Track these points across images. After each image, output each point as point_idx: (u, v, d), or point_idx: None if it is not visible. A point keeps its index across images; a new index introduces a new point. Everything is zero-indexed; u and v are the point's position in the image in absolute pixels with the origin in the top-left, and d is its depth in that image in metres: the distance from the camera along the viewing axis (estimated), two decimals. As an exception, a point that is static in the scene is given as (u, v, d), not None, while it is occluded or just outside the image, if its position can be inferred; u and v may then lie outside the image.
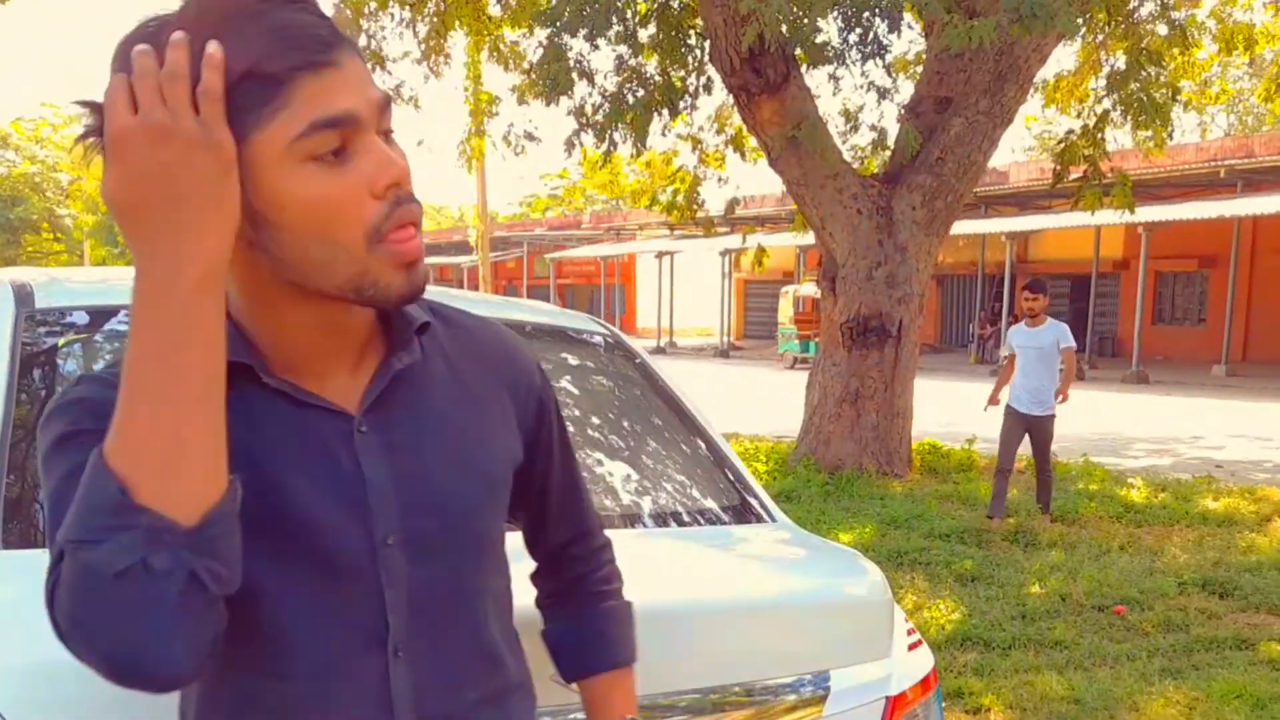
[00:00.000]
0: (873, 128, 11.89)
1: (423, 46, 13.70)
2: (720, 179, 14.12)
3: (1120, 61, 11.59)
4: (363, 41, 13.40)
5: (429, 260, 1.25)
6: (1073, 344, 9.01)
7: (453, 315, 1.41)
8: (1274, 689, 5.39)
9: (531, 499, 1.48)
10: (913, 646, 2.27)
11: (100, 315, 2.14)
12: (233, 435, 1.08)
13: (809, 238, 12.59)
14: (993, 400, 9.49)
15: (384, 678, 1.24)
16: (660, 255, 38.69)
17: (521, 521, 1.54)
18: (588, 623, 1.56)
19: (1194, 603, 6.89)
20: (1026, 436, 8.98)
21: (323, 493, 1.20)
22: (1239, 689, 5.34)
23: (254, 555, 1.12)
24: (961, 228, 22.55)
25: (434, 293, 2.77)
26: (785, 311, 31.92)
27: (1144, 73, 11.20)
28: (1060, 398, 8.93)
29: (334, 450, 1.23)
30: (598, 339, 2.82)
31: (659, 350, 36.93)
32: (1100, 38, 12.09)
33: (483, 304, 2.93)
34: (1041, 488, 9.31)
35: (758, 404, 18.91)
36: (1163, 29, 11.75)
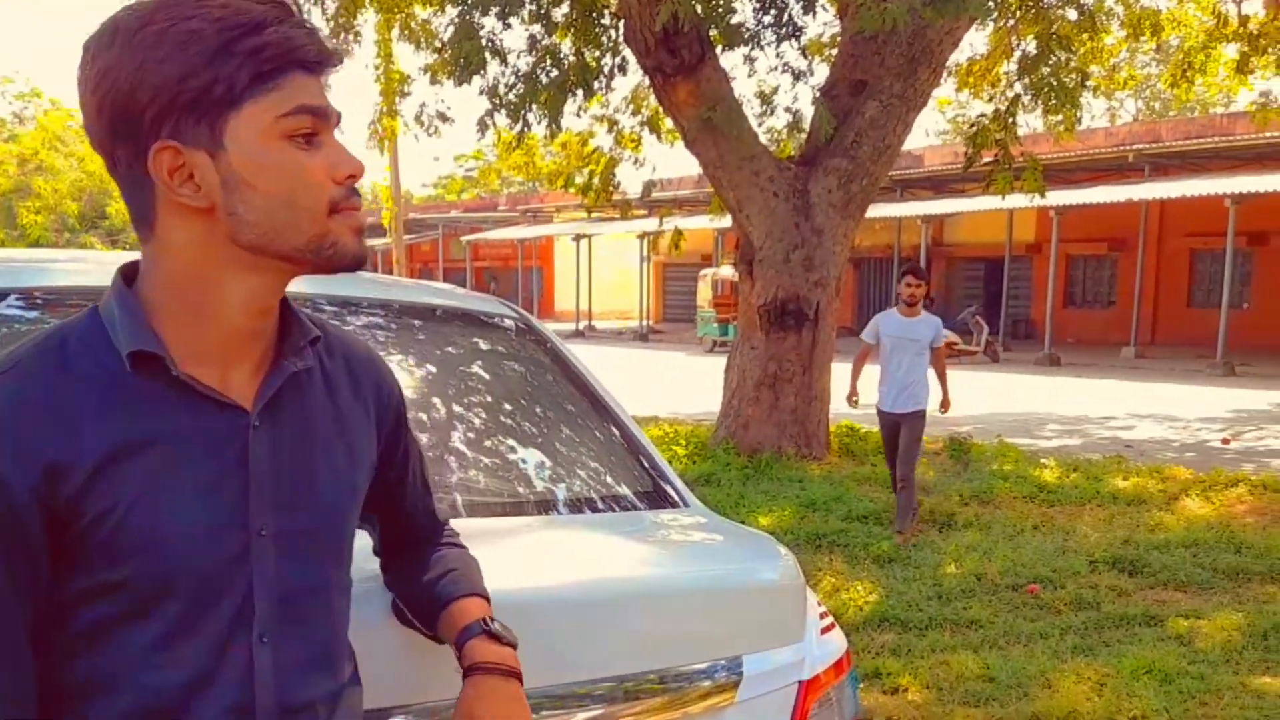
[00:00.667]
0: (788, 110, 11.94)
1: (332, 24, 13.44)
2: (637, 161, 14.09)
3: (1031, 46, 11.73)
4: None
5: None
6: (942, 341, 8.48)
7: (330, 330, 1.52)
8: (1181, 664, 5.49)
9: (386, 503, 1.59)
10: (826, 630, 2.26)
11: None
12: (124, 428, 1.22)
13: (727, 220, 12.61)
14: (853, 394, 8.95)
15: (248, 663, 1.30)
16: (578, 238, 38.61)
17: (375, 524, 1.64)
18: (436, 565, 1.63)
19: (1105, 581, 7.00)
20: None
21: (206, 484, 1.28)
22: (1148, 664, 5.44)
23: (134, 553, 1.22)
24: (877, 211, 22.78)
25: (346, 276, 2.72)
26: (704, 295, 32.01)
27: (1054, 57, 11.36)
28: (943, 408, 8.48)
29: (224, 443, 1.31)
30: (508, 323, 2.76)
31: (577, 334, 36.89)
32: (1012, 22, 12.23)
33: (395, 287, 2.87)
34: (902, 501, 8.24)
35: (677, 387, 18.94)
36: (1072, 14, 11.92)
